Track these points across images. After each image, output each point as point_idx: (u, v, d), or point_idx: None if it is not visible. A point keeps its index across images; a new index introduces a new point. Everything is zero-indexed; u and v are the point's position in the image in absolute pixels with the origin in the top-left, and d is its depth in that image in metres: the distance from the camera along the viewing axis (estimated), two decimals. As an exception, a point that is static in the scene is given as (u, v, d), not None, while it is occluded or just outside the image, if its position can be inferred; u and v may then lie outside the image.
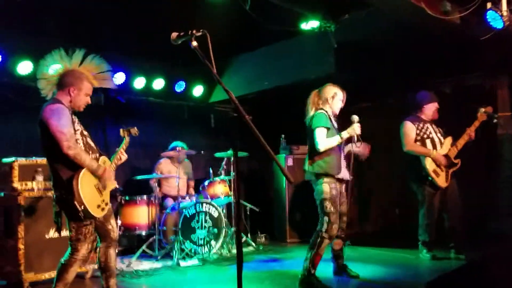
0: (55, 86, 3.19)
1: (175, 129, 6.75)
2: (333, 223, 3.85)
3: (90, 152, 3.18)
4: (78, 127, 3.18)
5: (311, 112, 4.05)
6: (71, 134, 3.00)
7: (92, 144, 3.28)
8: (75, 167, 3.00)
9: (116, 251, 3.36)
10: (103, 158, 3.28)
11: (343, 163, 4.02)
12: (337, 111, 4.12)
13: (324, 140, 3.87)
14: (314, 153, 3.94)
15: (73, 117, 3.16)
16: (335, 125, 4.08)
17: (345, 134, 3.91)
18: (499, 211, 5.46)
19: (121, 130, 3.57)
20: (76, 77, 3.18)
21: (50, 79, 3.19)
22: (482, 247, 5.09)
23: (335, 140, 3.89)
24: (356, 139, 3.94)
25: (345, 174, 4.02)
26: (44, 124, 2.99)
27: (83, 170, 3.02)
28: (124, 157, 3.47)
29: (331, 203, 3.86)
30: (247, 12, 4.69)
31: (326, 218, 3.85)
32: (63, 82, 3.16)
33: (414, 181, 5.00)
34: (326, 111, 4.02)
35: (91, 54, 3.29)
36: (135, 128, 3.61)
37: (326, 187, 3.88)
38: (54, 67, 3.19)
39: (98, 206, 3.10)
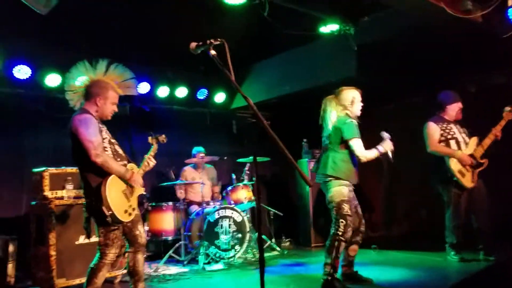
0: (82, 97, 3.31)
1: (198, 136, 6.82)
2: (349, 226, 3.85)
3: (119, 159, 3.27)
4: (106, 135, 3.28)
5: (332, 117, 4.01)
6: (98, 143, 3.10)
7: (121, 151, 3.37)
8: (104, 174, 3.11)
9: (144, 256, 3.44)
10: (131, 164, 3.36)
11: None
12: (358, 114, 4.09)
13: (364, 151, 3.91)
14: (339, 158, 3.93)
15: (101, 125, 3.27)
16: None
17: (381, 148, 3.96)
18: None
19: (149, 138, 3.66)
20: (101, 87, 3.29)
21: (77, 91, 3.31)
22: (510, 248, 4.97)
23: (373, 153, 3.93)
24: (390, 154, 3.99)
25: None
26: (73, 134, 3.11)
27: (111, 176, 3.12)
28: (152, 163, 3.54)
29: (348, 205, 3.88)
30: (265, 18, 4.74)
31: (342, 221, 3.84)
32: (90, 92, 3.28)
33: (439, 182, 4.92)
34: (353, 120, 3.98)
35: (114, 63, 3.39)
36: (163, 135, 3.70)
37: (345, 189, 3.89)
38: (80, 79, 3.31)
39: (125, 211, 3.18)
